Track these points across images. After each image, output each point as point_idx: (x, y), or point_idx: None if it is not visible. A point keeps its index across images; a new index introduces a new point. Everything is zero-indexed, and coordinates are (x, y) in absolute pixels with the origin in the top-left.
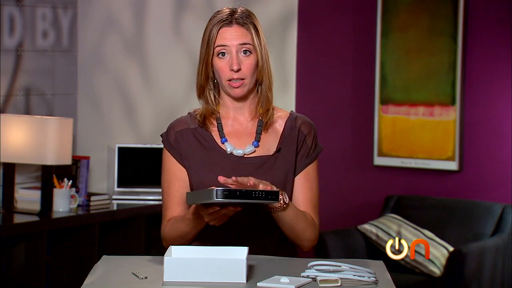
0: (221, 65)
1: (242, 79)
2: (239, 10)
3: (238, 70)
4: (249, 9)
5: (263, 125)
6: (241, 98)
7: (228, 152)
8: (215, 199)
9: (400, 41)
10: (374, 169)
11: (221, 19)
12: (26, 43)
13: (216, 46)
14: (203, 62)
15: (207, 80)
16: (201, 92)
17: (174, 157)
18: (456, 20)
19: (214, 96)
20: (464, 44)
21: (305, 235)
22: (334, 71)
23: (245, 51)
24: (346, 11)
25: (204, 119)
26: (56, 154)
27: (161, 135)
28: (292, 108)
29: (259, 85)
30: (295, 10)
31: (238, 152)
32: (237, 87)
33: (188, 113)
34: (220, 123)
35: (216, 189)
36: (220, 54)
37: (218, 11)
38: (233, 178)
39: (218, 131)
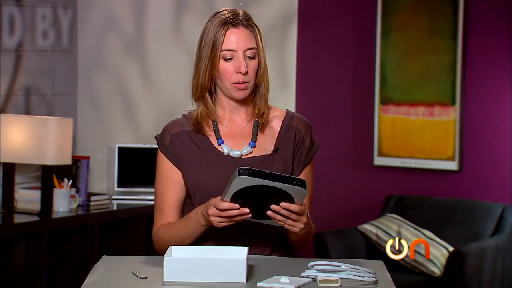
0: (226, 67)
1: (247, 82)
2: (240, 12)
3: (246, 73)
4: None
5: (259, 126)
6: (240, 100)
7: (225, 154)
8: (237, 176)
9: (400, 41)
10: (374, 169)
11: (226, 20)
12: (26, 43)
13: (223, 50)
14: (207, 64)
15: (210, 82)
16: (201, 94)
17: (169, 160)
18: (456, 20)
19: (213, 99)
20: (464, 44)
21: (305, 245)
22: (334, 71)
23: (250, 56)
24: (346, 11)
25: (199, 123)
26: (56, 154)
27: (156, 138)
28: (292, 107)
29: (256, 87)
30: (295, 10)
31: (235, 153)
32: (242, 90)
33: (183, 115)
34: (216, 124)
35: (239, 168)
36: (226, 57)
37: (219, 11)
38: None
39: (215, 132)
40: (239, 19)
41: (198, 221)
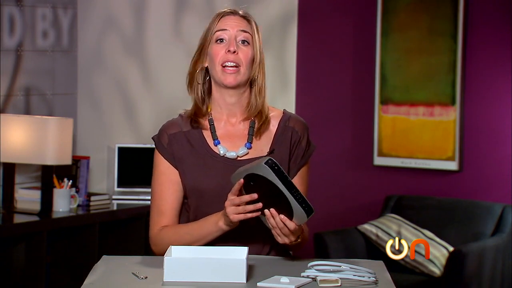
0: (217, 49)
1: (237, 66)
2: (241, 10)
3: (235, 52)
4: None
5: (257, 127)
6: (234, 95)
7: (221, 155)
8: (262, 164)
9: (400, 41)
10: (374, 169)
11: (223, 12)
12: (26, 43)
13: (216, 31)
14: (199, 50)
15: (198, 68)
16: (191, 80)
17: (167, 160)
18: (456, 20)
19: (203, 91)
20: (464, 44)
21: (301, 247)
22: (334, 71)
23: (243, 41)
24: (346, 11)
25: (196, 114)
26: (56, 154)
27: (153, 138)
28: (292, 107)
29: (251, 84)
30: (295, 10)
31: (231, 154)
32: (231, 74)
33: (179, 115)
34: (213, 124)
35: (270, 158)
36: (218, 40)
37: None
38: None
39: (211, 133)
40: (236, 11)
41: (215, 224)
